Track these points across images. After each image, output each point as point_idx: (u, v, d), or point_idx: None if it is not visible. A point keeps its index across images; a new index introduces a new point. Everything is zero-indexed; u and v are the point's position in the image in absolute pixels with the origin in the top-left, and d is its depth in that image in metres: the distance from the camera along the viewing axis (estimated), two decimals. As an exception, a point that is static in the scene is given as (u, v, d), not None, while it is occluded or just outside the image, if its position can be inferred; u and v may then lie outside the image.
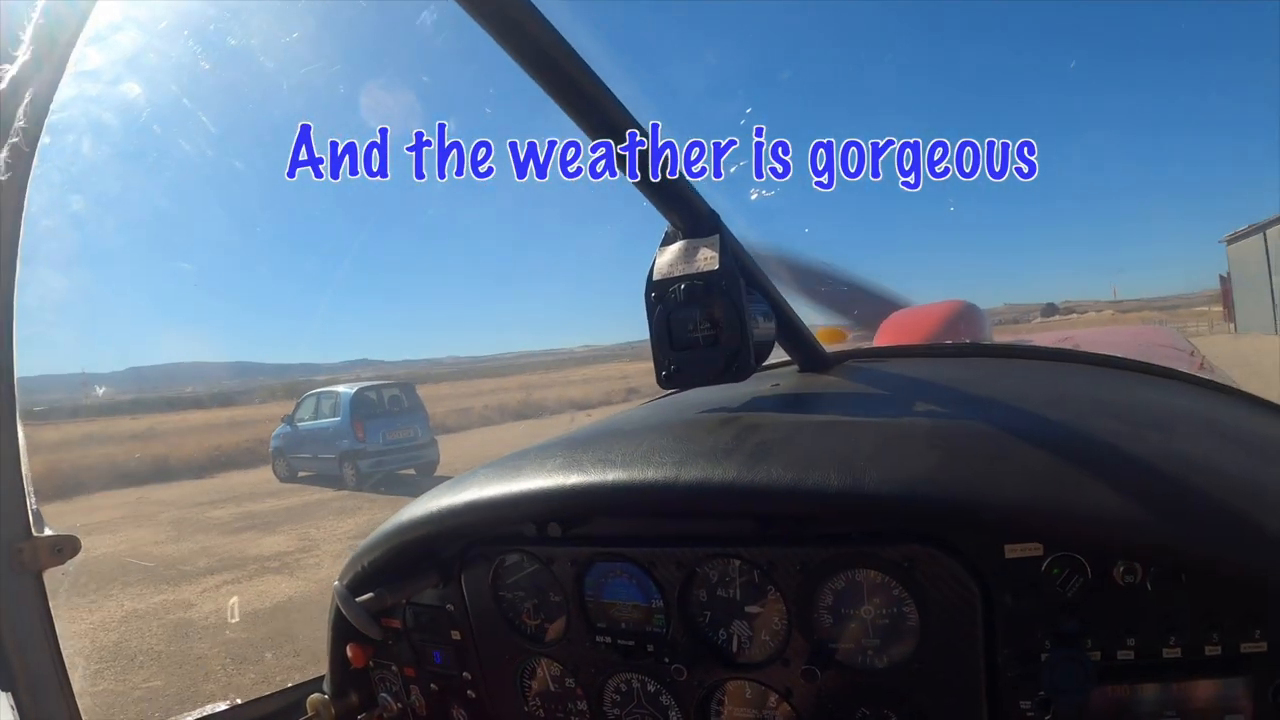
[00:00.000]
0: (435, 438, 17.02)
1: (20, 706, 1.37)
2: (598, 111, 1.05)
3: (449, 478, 1.38)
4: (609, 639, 1.18)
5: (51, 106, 1.18)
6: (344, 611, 1.25)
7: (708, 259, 1.22)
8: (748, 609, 1.09)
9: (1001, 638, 0.95)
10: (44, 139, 1.19)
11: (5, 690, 1.37)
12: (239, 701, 1.58)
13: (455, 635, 1.32)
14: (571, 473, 1.15)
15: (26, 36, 1.12)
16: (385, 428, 16.02)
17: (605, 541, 1.17)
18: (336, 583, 1.29)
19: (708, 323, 1.22)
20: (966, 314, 3.28)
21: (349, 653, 1.38)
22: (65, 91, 1.18)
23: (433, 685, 1.38)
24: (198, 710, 1.54)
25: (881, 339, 3.45)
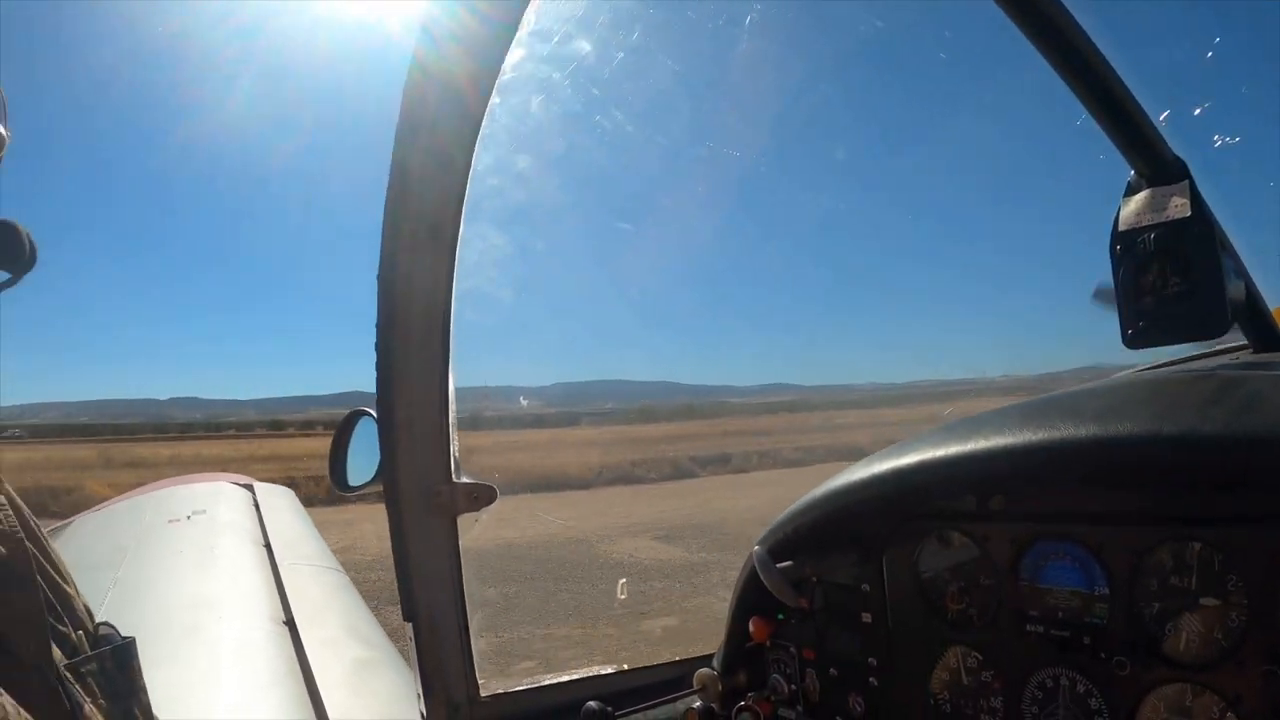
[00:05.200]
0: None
1: (419, 636, 1.48)
2: (1074, 49, 1.05)
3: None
4: (1041, 629, 1.07)
5: (502, 67, 1.23)
6: (762, 576, 1.21)
7: (1178, 206, 1.14)
8: (1203, 601, 0.95)
9: None
10: (494, 99, 1.25)
11: (408, 620, 1.49)
12: (625, 667, 1.61)
13: (866, 618, 1.25)
14: (1030, 431, 1.04)
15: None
16: None
17: (1050, 519, 1.06)
18: (756, 546, 1.25)
19: (1179, 276, 1.13)
20: None
21: (751, 627, 1.34)
22: (515, 54, 1.22)
23: (832, 670, 1.31)
24: (583, 670, 1.58)
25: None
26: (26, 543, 0.76)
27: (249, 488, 5.20)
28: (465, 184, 1.30)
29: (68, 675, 0.71)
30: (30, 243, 0.75)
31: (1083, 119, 1.17)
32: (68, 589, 0.79)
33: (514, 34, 1.20)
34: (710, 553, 10.95)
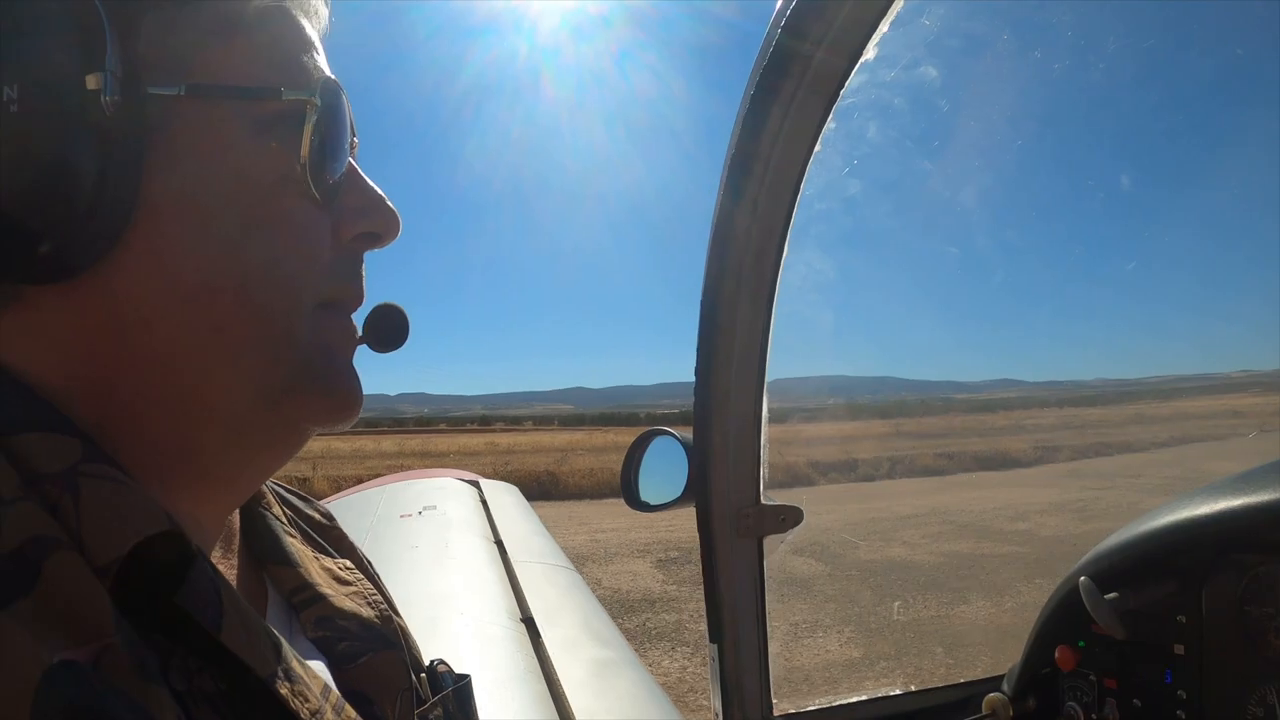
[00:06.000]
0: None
1: (722, 658, 1.50)
2: None
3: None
4: None
5: (841, 93, 1.21)
6: (1090, 607, 1.18)
7: None
8: None
9: None
10: (829, 124, 1.24)
11: (714, 642, 1.51)
12: (913, 689, 1.58)
13: (1179, 649, 1.20)
14: None
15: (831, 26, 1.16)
16: None
17: None
18: (1083, 577, 1.21)
19: None
20: None
21: (1058, 654, 1.31)
22: (856, 79, 1.20)
23: (1136, 700, 1.25)
24: (870, 691, 1.56)
25: None
26: (387, 596, 0.75)
27: (475, 484, 5.51)
28: (793, 208, 1.29)
29: None
30: (407, 324, 0.68)
31: None
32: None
33: (857, 63, 1.18)
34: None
